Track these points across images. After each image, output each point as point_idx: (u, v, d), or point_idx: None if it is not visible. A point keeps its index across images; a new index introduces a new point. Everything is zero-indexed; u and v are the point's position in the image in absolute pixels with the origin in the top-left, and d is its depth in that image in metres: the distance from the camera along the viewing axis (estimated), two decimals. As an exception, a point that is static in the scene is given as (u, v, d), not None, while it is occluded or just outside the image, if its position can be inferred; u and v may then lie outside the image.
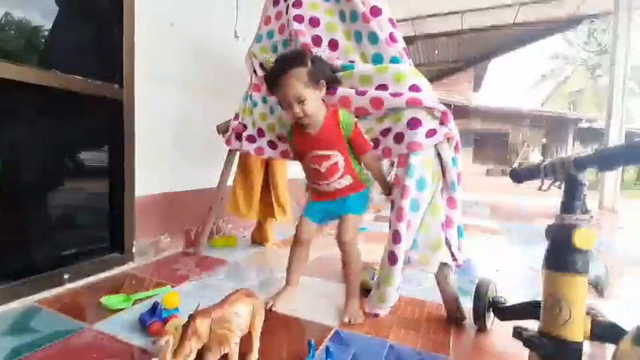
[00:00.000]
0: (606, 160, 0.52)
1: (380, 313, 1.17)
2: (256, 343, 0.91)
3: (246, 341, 0.89)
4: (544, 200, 5.37)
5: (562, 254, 0.56)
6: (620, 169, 4.78)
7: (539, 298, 0.99)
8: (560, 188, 0.63)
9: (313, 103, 1.10)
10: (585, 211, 0.56)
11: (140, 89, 1.61)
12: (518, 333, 0.60)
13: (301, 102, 1.08)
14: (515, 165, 10.50)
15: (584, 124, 10.74)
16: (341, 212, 1.24)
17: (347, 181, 1.21)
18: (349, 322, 1.12)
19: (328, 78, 1.15)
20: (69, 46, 1.47)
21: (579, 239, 0.54)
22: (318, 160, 1.18)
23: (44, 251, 1.36)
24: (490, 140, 12.70)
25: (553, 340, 0.56)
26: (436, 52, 6.08)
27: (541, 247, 2.00)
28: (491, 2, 4.33)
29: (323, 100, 1.17)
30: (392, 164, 4.31)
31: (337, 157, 1.17)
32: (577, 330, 0.55)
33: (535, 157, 10.65)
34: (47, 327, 1.04)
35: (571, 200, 0.58)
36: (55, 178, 1.44)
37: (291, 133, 1.26)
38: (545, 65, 19.74)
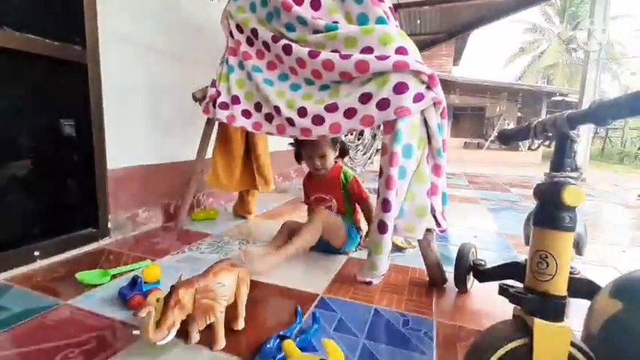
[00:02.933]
0: (602, 114, 0.51)
1: (373, 281, 1.19)
2: (242, 312, 0.90)
3: (232, 310, 0.88)
4: (516, 171, 5.59)
5: (551, 211, 0.56)
6: (590, 140, 5.00)
7: (515, 259, 1.03)
8: (549, 147, 0.63)
9: (331, 159, 1.44)
10: (575, 169, 0.57)
11: (106, 52, 1.48)
12: (503, 290, 0.61)
13: (323, 157, 1.41)
14: (492, 137, 10.79)
15: (557, 98, 11.04)
16: None
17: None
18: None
19: (342, 145, 1.49)
20: (21, 1, 1.31)
21: (569, 196, 0.54)
22: (317, 201, 1.53)
23: (9, 228, 1.27)
24: (467, 114, 12.90)
25: (539, 295, 0.57)
26: (418, 21, 5.96)
27: (514, 214, 2.08)
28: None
29: (335, 161, 1.49)
30: (374, 137, 4.31)
31: (331, 202, 1.50)
32: (562, 285, 0.56)
33: (510, 130, 10.88)
34: (18, 305, 0.99)
35: (561, 158, 0.58)
36: (17, 150, 1.32)
37: (305, 180, 1.60)
38: (522, 38, 19.88)
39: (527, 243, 0.94)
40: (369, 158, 4.23)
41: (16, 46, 1.20)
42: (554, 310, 0.57)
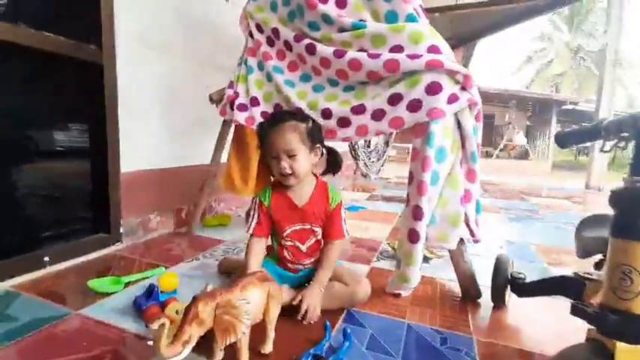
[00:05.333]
0: None
1: (402, 293, 1.11)
2: (271, 334, 0.80)
3: (260, 330, 0.78)
4: (528, 179, 5.48)
5: (637, 220, 0.49)
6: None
7: (545, 273, 0.95)
8: (623, 149, 0.56)
9: (304, 163, 0.96)
10: (661, 172, 0.50)
11: (121, 53, 1.44)
12: (578, 309, 0.53)
13: (292, 156, 0.95)
14: (501, 146, 10.66)
15: (568, 106, 10.90)
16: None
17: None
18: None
19: (331, 152, 1.08)
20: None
21: (659, 202, 0.47)
22: (299, 236, 1.03)
23: (18, 233, 1.23)
24: (476, 122, 12.81)
25: (620, 314, 0.50)
26: (428, 28, 5.94)
27: (536, 224, 1.98)
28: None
29: (315, 175, 1.06)
30: (386, 143, 4.25)
31: (319, 235, 1.05)
32: (649, 304, 0.49)
33: (520, 138, 10.77)
34: (27, 314, 0.93)
35: (643, 160, 0.51)
36: (28, 152, 1.28)
37: (269, 197, 1.03)
38: (530, 47, 19.83)
39: (580, 255, 0.86)
40: (382, 165, 4.16)
41: (30, 43, 1.16)
42: (638, 333, 0.49)
